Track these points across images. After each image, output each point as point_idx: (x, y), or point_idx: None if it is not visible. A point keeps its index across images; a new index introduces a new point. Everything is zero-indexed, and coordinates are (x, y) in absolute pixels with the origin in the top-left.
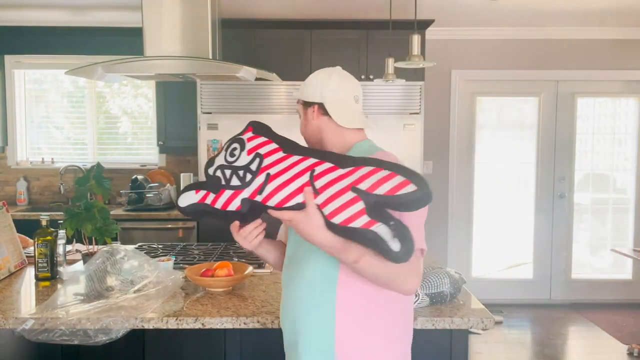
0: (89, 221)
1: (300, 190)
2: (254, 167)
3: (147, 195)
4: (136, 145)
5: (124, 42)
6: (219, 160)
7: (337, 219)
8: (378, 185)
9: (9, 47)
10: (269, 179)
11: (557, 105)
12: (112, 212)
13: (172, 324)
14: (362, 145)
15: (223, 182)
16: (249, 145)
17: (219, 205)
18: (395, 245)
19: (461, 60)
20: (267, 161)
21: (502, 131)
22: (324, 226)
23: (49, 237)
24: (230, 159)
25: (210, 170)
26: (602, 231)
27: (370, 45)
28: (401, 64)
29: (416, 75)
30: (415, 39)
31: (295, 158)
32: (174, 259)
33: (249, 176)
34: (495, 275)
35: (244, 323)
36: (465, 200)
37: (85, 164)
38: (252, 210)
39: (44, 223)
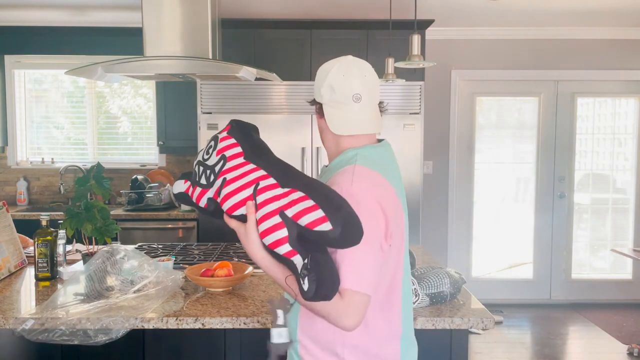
0: (89, 221)
1: (245, 200)
2: (217, 168)
3: (147, 195)
4: (136, 145)
5: (124, 42)
6: (199, 155)
7: (265, 241)
8: (301, 215)
9: (9, 47)
10: (224, 183)
11: (557, 105)
12: (112, 212)
13: (172, 324)
14: (345, 154)
15: (196, 179)
16: (220, 146)
17: (194, 199)
18: (305, 285)
19: (461, 60)
20: (228, 165)
21: (502, 131)
22: (259, 244)
23: (49, 237)
24: (205, 157)
25: (194, 165)
26: (602, 231)
27: (370, 45)
28: (401, 64)
29: (416, 75)
30: (415, 39)
31: (249, 167)
32: (174, 259)
33: (212, 176)
34: (495, 275)
35: (244, 323)
36: (465, 200)
37: (85, 164)
38: (219, 211)
39: (44, 223)
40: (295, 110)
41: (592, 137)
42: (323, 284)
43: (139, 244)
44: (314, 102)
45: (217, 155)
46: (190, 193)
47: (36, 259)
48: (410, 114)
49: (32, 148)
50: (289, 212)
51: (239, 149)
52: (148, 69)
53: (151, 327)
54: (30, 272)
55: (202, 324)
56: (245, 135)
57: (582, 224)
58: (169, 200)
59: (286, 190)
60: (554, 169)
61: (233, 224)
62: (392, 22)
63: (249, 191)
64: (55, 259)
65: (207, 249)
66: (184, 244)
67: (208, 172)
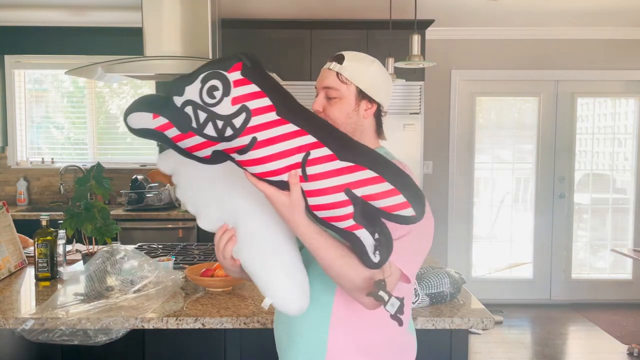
0: (89, 221)
1: (288, 169)
2: (237, 122)
3: (147, 195)
4: (136, 145)
5: (124, 42)
6: (191, 94)
7: (320, 214)
8: (376, 198)
9: (9, 47)
10: (255, 144)
11: (557, 105)
12: (112, 212)
13: (172, 324)
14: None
15: (194, 125)
16: (235, 93)
17: (183, 145)
18: (376, 257)
19: (461, 60)
20: (255, 120)
21: (502, 131)
22: (304, 212)
23: (49, 237)
24: (207, 100)
25: (178, 102)
26: (602, 231)
27: (370, 45)
28: (401, 64)
29: (416, 75)
30: (415, 39)
31: (290, 128)
32: (174, 259)
33: (229, 131)
34: (495, 275)
35: (244, 323)
36: (465, 200)
37: (85, 164)
38: (221, 161)
39: (44, 223)
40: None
41: (592, 137)
42: (389, 253)
43: (139, 244)
44: (363, 95)
45: (232, 104)
46: (171, 135)
47: (36, 259)
48: (410, 114)
49: (32, 148)
50: (359, 192)
51: (266, 101)
52: (148, 69)
53: (151, 327)
54: (30, 272)
55: (202, 324)
56: (268, 80)
57: (582, 224)
58: (169, 200)
59: (348, 164)
60: (554, 169)
61: (268, 190)
62: (392, 22)
63: (293, 159)
64: (55, 259)
65: (207, 249)
66: (184, 244)
67: (219, 122)
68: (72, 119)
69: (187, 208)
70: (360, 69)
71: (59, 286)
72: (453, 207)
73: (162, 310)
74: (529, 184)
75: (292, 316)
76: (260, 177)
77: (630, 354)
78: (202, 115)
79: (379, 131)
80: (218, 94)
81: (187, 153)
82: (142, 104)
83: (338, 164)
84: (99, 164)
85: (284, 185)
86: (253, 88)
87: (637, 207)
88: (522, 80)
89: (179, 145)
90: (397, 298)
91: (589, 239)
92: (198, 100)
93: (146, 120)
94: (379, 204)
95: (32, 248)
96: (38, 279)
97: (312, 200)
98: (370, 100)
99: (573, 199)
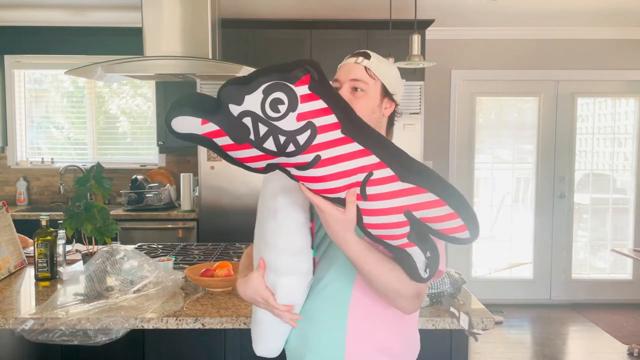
0: (89, 221)
1: (347, 187)
2: (302, 139)
3: (147, 195)
4: (136, 145)
5: (124, 42)
6: (251, 104)
7: (375, 232)
8: (435, 221)
9: (9, 47)
10: (318, 162)
11: (557, 105)
12: (112, 212)
13: (172, 324)
14: None
15: (252, 137)
16: (302, 108)
17: (235, 155)
18: (425, 274)
19: (461, 60)
20: (320, 138)
21: (502, 131)
22: (354, 230)
23: (49, 237)
24: (271, 113)
25: (235, 110)
26: (602, 231)
27: (370, 45)
28: (401, 64)
29: (416, 75)
30: (415, 39)
31: (355, 147)
32: (174, 259)
33: (292, 147)
34: (495, 275)
35: (244, 323)
36: None
37: (85, 164)
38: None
39: (44, 223)
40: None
41: (592, 137)
42: (437, 268)
43: (139, 244)
44: (386, 92)
45: (298, 120)
46: (222, 143)
47: (36, 259)
48: (410, 114)
49: (32, 148)
50: (419, 214)
51: (332, 119)
52: (148, 69)
53: (151, 327)
54: (30, 272)
55: (202, 324)
56: (332, 93)
57: (582, 224)
58: (169, 200)
59: (409, 186)
60: (554, 169)
61: (324, 205)
62: (392, 22)
63: (356, 178)
64: (55, 259)
65: (207, 249)
66: (184, 244)
67: (282, 138)
68: (72, 119)
69: (276, 264)
70: (385, 67)
71: (59, 286)
72: None
73: (162, 311)
74: (529, 184)
75: (307, 319)
76: (317, 193)
77: (630, 354)
78: (263, 129)
79: (388, 132)
80: (283, 108)
81: (236, 162)
82: (187, 106)
83: (399, 185)
84: (99, 164)
85: (340, 202)
86: (320, 104)
87: (637, 207)
88: (522, 80)
89: (229, 154)
90: (465, 313)
91: (589, 239)
92: (259, 112)
93: (194, 125)
94: (438, 226)
95: (32, 248)
96: (38, 279)
97: (369, 219)
98: (391, 99)
99: (573, 199)
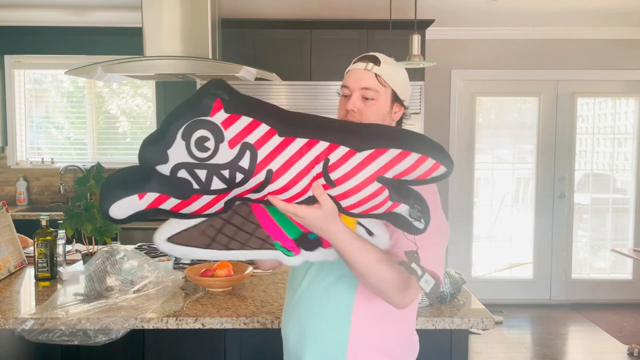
0: (89, 221)
1: (311, 183)
2: (245, 163)
3: None
4: (136, 145)
5: (124, 42)
6: (178, 156)
7: (357, 210)
8: (409, 172)
9: (9, 47)
10: (272, 176)
11: (557, 105)
12: None
13: (172, 324)
14: None
15: (196, 187)
16: (230, 134)
17: (189, 210)
18: (420, 224)
19: (461, 60)
20: (262, 153)
21: (502, 131)
22: (339, 218)
23: (48, 237)
24: (201, 155)
25: (165, 170)
26: (602, 231)
27: (370, 45)
28: (401, 64)
29: (416, 75)
30: (415, 39)
31: (299, 143)
32: (174, 259)
33: (239, 176)
34: (495, 275)
35: (244, 323)
36: (465, 200)
37: (85, 164)
38: (231, 204)
39: (44, 223)
40: (296, 110)
41: (592, 137)
42: (429, 215)
43: (139, 244)
44: (396, 98)
45: (231, 147)
46: (169, 207)
47: (36, 259)
48: (410, 114)
49: (32, 148)
50: (390, 174)
51: (264, 128)
52: (148, 69)
53: (151, 327)
54: (30, 272)
55: (202, 324)
56: (254, 105)
57: (582, 224)
58: None
59: (369, 152)
60: (554, 169)
61: (302, 211)
62: (392, 22)
63: (315, 170)
64: (55, 259)
65: None
66: None
67: (225, 172)
68: (71, 119)
69: None
70: (395, 72)
71: (59, 286)
72: (453, 207)
73: (162, 310)
74: (529, 184)
75: (309, 317)
76: (289, 202)
77: (630, 354)
78: (202, 173)
79: None
80: (211, 144)
81: (193, 215)
82: (116, 188)
83: (359, 157)
84: (99, 164)
85: (312, 200)
86: (245, 121)
87: (637, 207)
88: (522, 80)
89: (182, 212)
90: (432, 276)
91: (589, 239)
92: (190, 160)
93: (132, 203)
94: (413, 175)
95: (31, 248)
96: (38, 279)
97: (346, 202)
98: (401, 104)
99: (573, 199)
